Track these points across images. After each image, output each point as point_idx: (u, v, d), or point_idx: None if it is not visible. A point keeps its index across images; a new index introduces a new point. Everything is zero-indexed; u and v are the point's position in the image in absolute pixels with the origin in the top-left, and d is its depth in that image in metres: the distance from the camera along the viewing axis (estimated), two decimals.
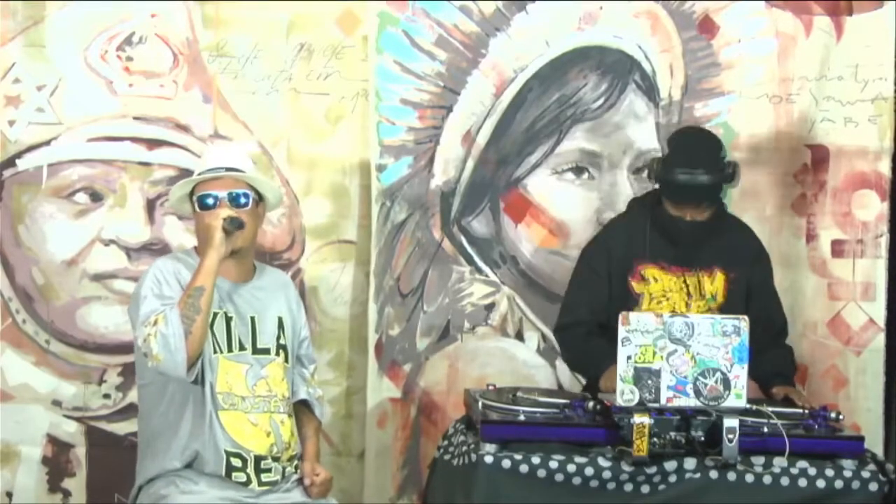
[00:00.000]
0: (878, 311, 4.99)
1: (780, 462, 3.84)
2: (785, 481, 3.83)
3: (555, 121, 5.05)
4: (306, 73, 4.99)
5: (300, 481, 4.00)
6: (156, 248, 4.95)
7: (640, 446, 3.76)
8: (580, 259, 4.49)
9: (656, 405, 3.79)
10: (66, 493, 4.99)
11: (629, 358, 3.79)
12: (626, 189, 4.99)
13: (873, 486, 3.84)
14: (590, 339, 4.32)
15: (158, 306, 3.78)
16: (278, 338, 4.00)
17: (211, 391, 3.86)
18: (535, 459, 3.81)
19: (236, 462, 3.87)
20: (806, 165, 5.05)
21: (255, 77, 4.98)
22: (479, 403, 4.00)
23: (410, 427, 5.03)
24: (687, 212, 4.29)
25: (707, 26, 5.04)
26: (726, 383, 3.80)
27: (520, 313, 5.07)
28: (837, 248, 5.02)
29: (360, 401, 5.02)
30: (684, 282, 4.33)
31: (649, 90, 5.05)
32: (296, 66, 4.99)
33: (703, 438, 3.80)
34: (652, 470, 3.83)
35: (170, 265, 3.93)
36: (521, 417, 3.94)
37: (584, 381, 4.55)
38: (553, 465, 3.80)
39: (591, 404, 3.94)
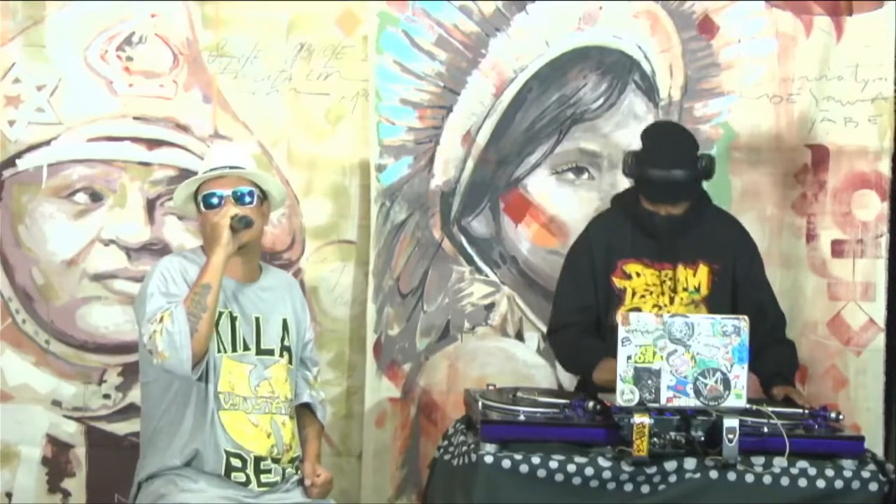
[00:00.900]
0: (878, 311, 4.99)
1: (780, 462, 3.83)
2: (785, 481, 3.83)
3: (554, 121, 5.05)
4: (306, 73, 4.99)
5: (300, 482, 4.00)
6: (156, 248, 4.95)
7: (640, 446, 3.76)
8: (565, 260, 4.51)
9: (656, 405, 3.79)
10: (66, 494, 4.99)
11: (629, 358, 3.79)
12: None
13: (873, 486, 3.84)
14: (581, 339, 4.33)
15: (165, 304, 3.78)
16: (283, 339, 4.00)
17: (213, 390, 3.86)
18: (535, 459, 3.81)
19: (236, 462, 3.87)
20: (806, 165, 5.05)
21: (255, 77, 4.97)
22: (479, 403, 4.00)
23: (410, 427, 5.03)
24: (662, 207, 4.30)
25: (707, 26, 5.04)
26: (726, 383, 3.80)
27: (520, 313, 5.07)
28: (837, 248, 5.02)
29: (360, 401, 5.02)
30: (667, 276, 4.34)
31: (649, 90, 5.06)
32: (296, 66, 4.99)
33: (703, 438, 3.80)
34: (652, 470, 3.83)
35: (176, 263, 3.92)
36: (521, 417, 3.94)
37: (577, 381, 4.57)
38: (553, 465, 3.80)
39: (591, 404, 3.94)
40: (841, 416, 3.98)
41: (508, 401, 4.04)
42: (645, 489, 3.83)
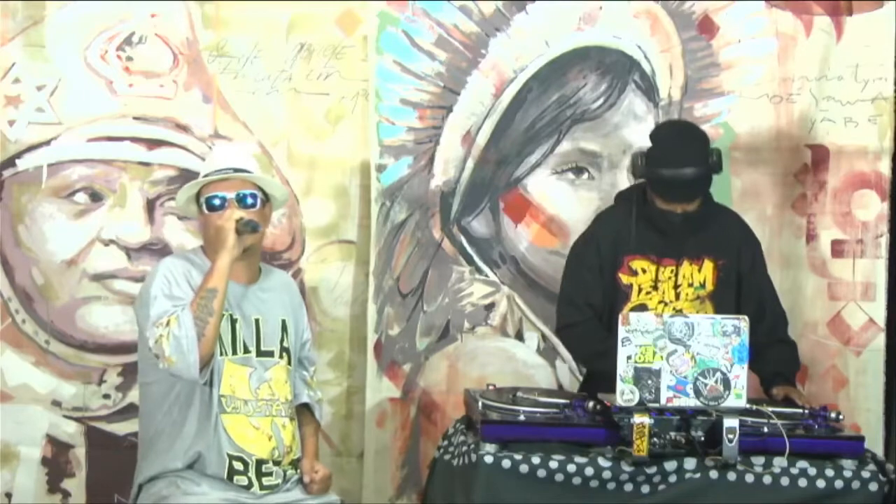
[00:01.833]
0: (878, 311, 4.99)
1: (780, 462, 3.83)
2: (785, 481, 3.83)
3: (554, 121, 5.05)
4: (306, 73, 4.99)
5: (300, 480, 4.00)
6: (156, 248, 4.95)
7: (640, 446, 3.76)
8: (571, 256, 4.49)
9: (656, 405, 3.79)
10: (66, 494, 4.99)
11: (629, 358, 3.79)
12: None
13: (873, 486, 3.84)
14: (599, 332, 4.31)
15: (170, 307, 3.77)
16: (282, 340, 4.00)
17: (216, 394, 3.85)
18: (535, 459, 3.81)
19: (238, 465, 3.87)
20: (806, 165, 5.05)
21: (255, 77, 4.97)
22: (479, 403, 4.00)
23: (410, 427, 5.03)
24: (678, 206, 4.29)
25: (707, 26, 5.04)
26: (726, 383, 3.80)
27: (520, 313, 5.07)
28: (837, 248, 5.02)
29: (360, 401, 5.02)
30: (672, 272, 4.33)
31: (649, 90, 5.06)
32: (296, 66, 4.99)
33: (703, 438, 3.80)
34: (652, 470, 3.83)
35: (179, 265, 3.91)
36: (521, 417, 3.93)
37: (584, 376, 4.56)
38: (553, 465, 3.80)
39: (591, 404, 3.94)
40: (841, 416, 3.98)
41: (508, 401, 4.04)
42: (645, 489, 3.83)
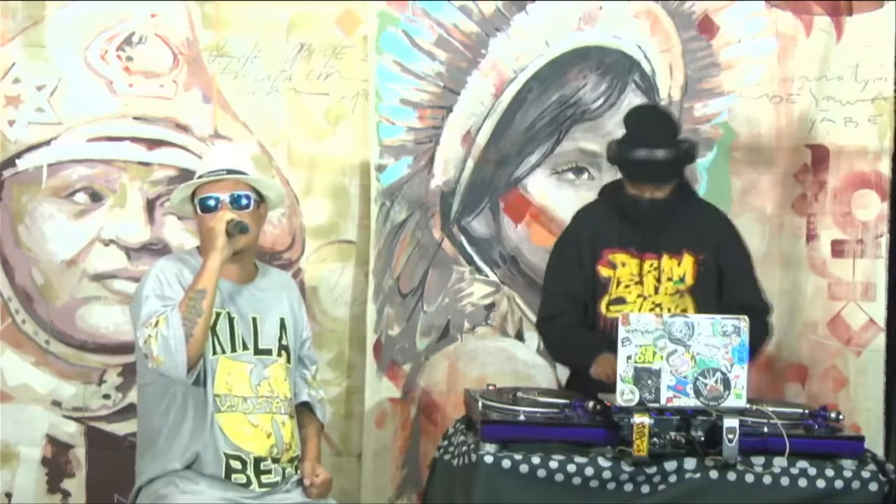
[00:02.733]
0: (878, 311, 4.99)
1: (780, 462, 3.83)
2: (785, 481, 3.83)
3: (554, 121, 5.05)
4: (306, 73, 4.99)
5: (300, 482, 4.00)
6: (156, 248, 4.95)
7: (640, 446, 3.76)
8: (553, 250, 4.50)
9: (656, 405, 3.79)
10: (66, 494, 4.98)
11: (629, 358, 3.79)
12: None
13: (873, 486, 3.83)
14: (572, 330, 4.33)
15: (160, 307, 3.78)
16: (280, 339, 4.00)
17: (211, 393, 3.85)
18: (535, 459, 3.81)
19: (236, 464, 3.86)
20: (806, 165, 5.05)
21: (255, 77, 4.97)
22: (479, 403, 4.00)
23: (410, 427, 5.03)
24: (646, 190, 4.30)
25: (707, 26, 5.04)
26: (726, 383, 3.80)
27: (520, 313, 5.07)
28: (837, 248, 5.02)
29: (360, 401, 5.02)
30: (652, 265, 4.33)
31: (649, 90, 5.06)
32: (296, 66, 4.99)
33: (703, 438, 3.79)
34: (652, 470, 3.82)
35: (172, 266, 3.92)
36: (521, 417, 3.93)
37: (567, 373, 4.56)
38: (553, 465, 3.80)
39: (591, 404, 3.94)
40: (841, 416, 3.98)
41: (508, 401, 4.04)
42: (645, 489, 3.83)
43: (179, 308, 3.75)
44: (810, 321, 5.03)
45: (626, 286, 4.33)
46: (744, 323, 3.81)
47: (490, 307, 5.07)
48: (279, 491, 3.93)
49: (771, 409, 3.92)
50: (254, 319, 3.96)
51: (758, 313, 4.33)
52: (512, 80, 5.03)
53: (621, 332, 3.80)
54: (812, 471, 3.83)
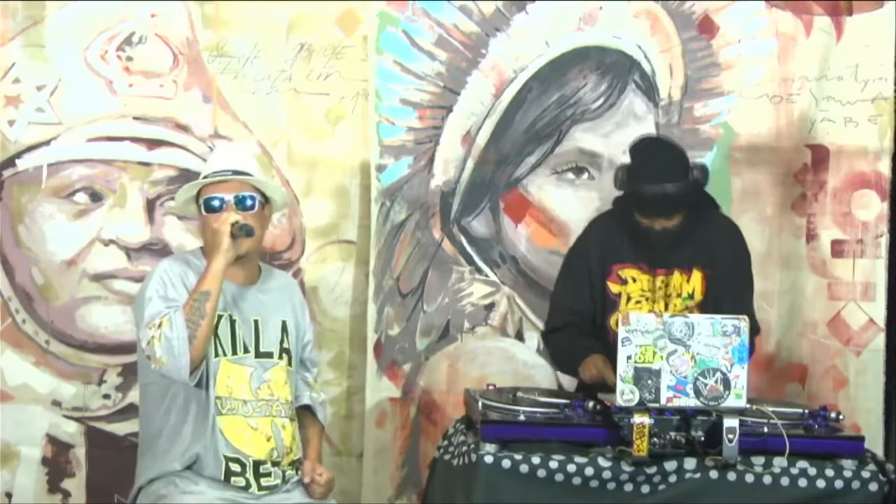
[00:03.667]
0: (878, 311, 4.99)
1: (780, 462, 3.83)
2: (785, 481, 3.83)
3: (554, 121, 5.05)
4: (306, 73, 4.99)
5: (300, 482, 3.99)
6: (155, 248, 4.95)
7: (640, 446, 3.76)
8: (563, 262, 4.51)
9: (656, 405, 3.79)
10: (66, 494, 4.99)
11: (629, 358, 3.79)
12: None
13: (873, 486, 3.83)
14: (574, 340, 4.33)
15: (163, 309, 3.78)
16: (282, 341, 3.99)
17: (212, 395, 3.85)
18: (535, 459, 3.81)
19: (235, 467, 3.86)
20: (806, 165, 5.05)
21: (255, 77, 4.98)
22: (479, 403, 4.00)
23: (410, 427, 5.03)
24: (656, 221, 4.28)
25: (707, 26, 5.04)
26: (726, 383, 3.80)
27: (520, 313, 5.07)
28: (837, 248, 5.02)
29: (360, 401, 5.02)
30: (663, 282, 4.33)
31: (649, 90, 5.06)
32: (296, 66, 4.99)
33: (703, 438, 3.80)
34: (652, 470, 3.83)
35: (176, 267, 3.92)
36: (521, 417, 3.93)
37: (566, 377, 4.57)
38: (553, 465, 3.80)
39: (591, 404, 3.94)
40: (841, 416, 3.98)
41: (508, 401, 4.04)
42: (645, 489, 3.83)
43: (183, 310, 3.75)
44: (810, 321, 5.03)
45: (637, 302, 4.32)
46: (744, 323, 3.81)
47: (490, 307, 5.07)
48: (279, 492, 3.93)
49: (771, 409, 3.93)
50: (255, 322, 3.95)
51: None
52: (512, 80, 5.03)
53: (621, 332, 3.80)
54: (812, 471, 3.83)
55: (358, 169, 5.04)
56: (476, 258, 5.07)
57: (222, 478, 3.85)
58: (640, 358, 3.79)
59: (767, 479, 3.82)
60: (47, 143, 4.95)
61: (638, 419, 3.76)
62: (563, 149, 5.06)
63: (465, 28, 5.01)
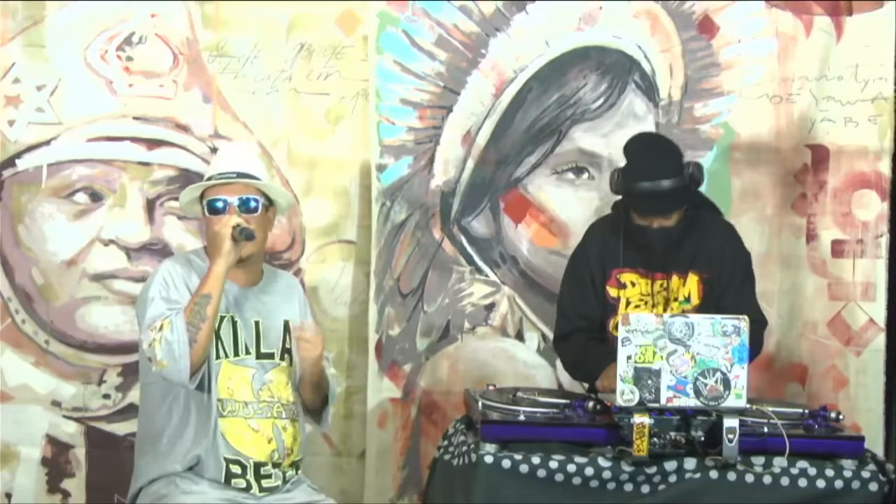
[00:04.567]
0: (879, 311, 4.99)
1: (780, 462, 3.83)
2: (785, 481, 3.83)
3: (554, 121, 5.05)
4: (306, 73, 5.00)
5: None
6: (155, 248, 4.95)
7: (640, 446, 3.75)
8: (567, 268, 4.49)
9: (656, 405, 3.78)
10: (66, 494, 4.99)
11: (629, 358, 3.79)
12: None
13: (873, 486, 3.83)
14: (586, 346, 4.32)
15: (165, 311, 3.78)
16: (284, 342, 3.99)
17: (214, 397, 3.85)
18: (535, 459, 3.81)
19: (235, 469, 3.86)
20: (806, 165, 5.05)
21: (255, 77, 4.98)
22: (479, 403, 4.00)
23: (411, 427, 5.03)
24: (654, 220, 4.27)
25: (707, 26, 5.04)
26: (726, 383, 3.80)
27: (520, 313, 5.07)
28: (837, 248, 5.02)
29: (359, 401, 5.02)
30: (661, 286, 4.32)
31: (649, 90, 5.06)
32: (296, 66, 4.99)
33: (703, 438, 3.79)
34: (652, 470, 3.83)
35: (179, 268, 3.91)
36: (521, 417, 3.93)
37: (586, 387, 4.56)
38: (553, 465, 3.80)
39: (591, 404, 3.94)
40: (841, 416, 3.98)
41: (508, 401, 4.04)
42: (645, 489, 3.83)
43: (184, 313, 3.74)
44: (810, 321, 5.03)
45: (636, 306, 4.31)
46: (744, 323, 3.81)
47: (490, 307, 5.07)
48: (279, 493, 3.92)
49: (771, 409, 3.92)
50: (257, 324, 3.95)
51: (755, 329, 4.30)
52: (512, 80, 5.03)
53: (621, 332, 3.79)
54: (812, 471, 3.83)
55: (358, 169, 5.04)
56: (476, 258, 5.07)
57: (223, 480, 3.85)
58: (640, 358, 3.79)
59: (767, 479, 3.82)
60: (47, 143, 4.95)
61: (638, 419, 3.76)
62: (563, 149, 5.06)
63: (465, 28, 5.01)
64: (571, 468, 3.80)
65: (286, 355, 3.99)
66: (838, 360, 5.00)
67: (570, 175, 5.07)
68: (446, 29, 5.01)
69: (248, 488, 3.87)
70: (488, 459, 3.80)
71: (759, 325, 4.31)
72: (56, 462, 4.98)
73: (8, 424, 4.93)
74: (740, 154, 5.04)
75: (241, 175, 3.92)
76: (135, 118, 4.97)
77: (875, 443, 4.74)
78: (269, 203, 3.98)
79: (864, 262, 5.01)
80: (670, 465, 3.83)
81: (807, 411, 4.03)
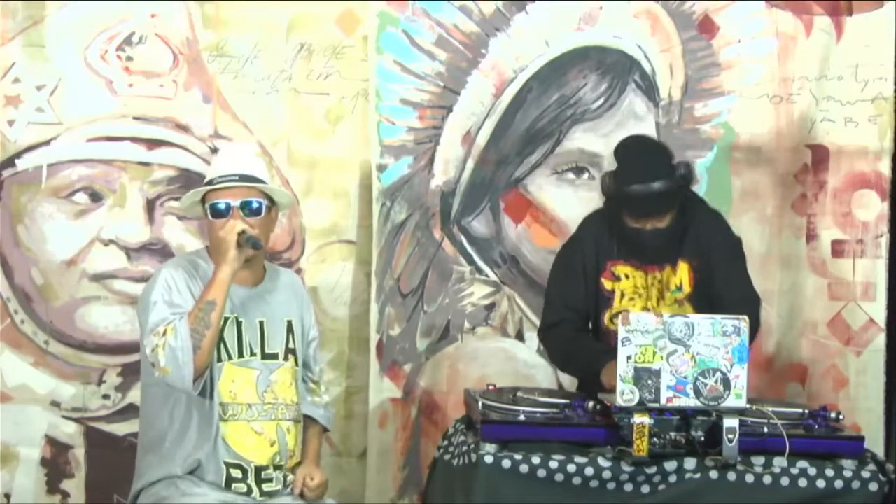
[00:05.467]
0: (879, 311, 4.99)
1: (780, 462, 3.83)
2: (785, 481, 3.83)
3: (554, 121, 5.05)
4: (306, 73, 5.00)
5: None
6: (155, 249, 4.95)
7: (640, 446, 3.75)
8: (556, 259, 4.47)
9: (656, 405, 3.78)
10: (65, 495, 4.98)
11: (629, 358, 3.79)
12: None
13: (873, 486, 3.83)
14: (576, 338, 4.31)
15: (168, 315, 3.76)
16: (287, 342, 3.98)
17: (217, 401, 3.84)
18: (535, 459, 3.80)
19: (236, 473, 3.85)
20: (806, 165, 5.05)
21: (255, 77, 4.97)
22: (480, 403, 4.00)
23: (411, 427, 5.03)
24: (647, 222, 4.27)
25: (707, 26, 5.04)
26: (726, 383, 3.80)
27: (520, 313, 5.07)
28: (837, 248, 5.02)
29: (360, 401, 5.02)
30: (656, 278, 4.31)
31: (649, 90, 5.06)
32: (296, 66, 4.99)
33: (703, 438, 3.79)
34: (652, 470, 3.82)
35: (181, 270, 3.89)
36: (521, 417, 3.93)
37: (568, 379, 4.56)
38: (553, 465, 3.80)
39: (591, 404, 3.94)
40: (841, 416, 3.98)
41: (508, 401, 4.03)
42: (645, 489, 3.83)
43: (188, 319, 3.73)
44: (810, 321, 5.03)
45: (631, 298, 4.31)
46: (744, 323, 3.81)
47: (490, 307, 5.07)
48: (280, 496, 3.92)
49: (771, 409, 3.92)
50: (261, 324, 3.94)
51: (749, 305, 4.28)
52: (512, 80, 5.03)
53: (621, 332, 3.79)
54: (812, 471, 3.83)
55: (358, 169, 5.04)
56: (476, 258, 5.07)
57: (223, 484, 3.84)
58: (640, 358, 3.79)
59: (767, 479, 3.82)
60: (47, 143, 4.95)
61: (638, 419, 3.76)
62: (564, 149, 5.06)
63: (465, 28, 5.01)
64: (571, 468, 3.80)
65: (290, 355, 3.98)
66: (838, 360, 5.00)
67: (571, 175, 5.07)
68: (446, 29, 5.01)
69: (248, 492, 3.86)
70: (488, 459, 3.80)
71: (753, 302, 4.31)
72: (55, 462, 4.98)
73: (7, 425, 4.93)
74: (740, 154, 5.04)
75: (243, 177, 3.90)
76: (135, 118, 4.97)
77: (875, 443, 4.74)
78: (272, 203, 3.97)
79: (865, 262, 5.01)
80: (670, 466, 3.83)
81: (807, 411, 4.02)
